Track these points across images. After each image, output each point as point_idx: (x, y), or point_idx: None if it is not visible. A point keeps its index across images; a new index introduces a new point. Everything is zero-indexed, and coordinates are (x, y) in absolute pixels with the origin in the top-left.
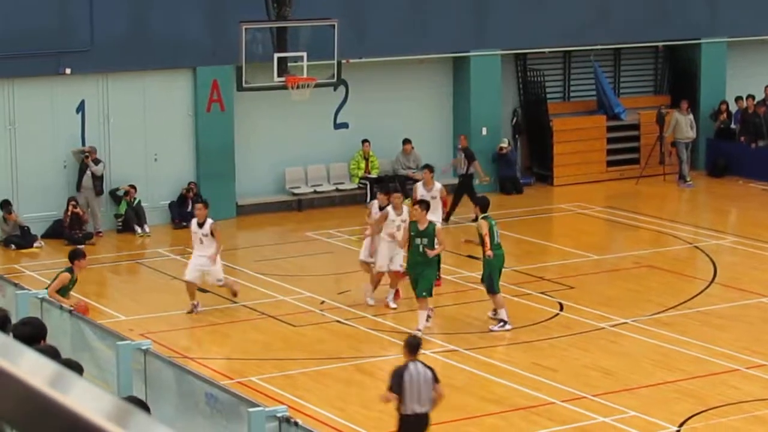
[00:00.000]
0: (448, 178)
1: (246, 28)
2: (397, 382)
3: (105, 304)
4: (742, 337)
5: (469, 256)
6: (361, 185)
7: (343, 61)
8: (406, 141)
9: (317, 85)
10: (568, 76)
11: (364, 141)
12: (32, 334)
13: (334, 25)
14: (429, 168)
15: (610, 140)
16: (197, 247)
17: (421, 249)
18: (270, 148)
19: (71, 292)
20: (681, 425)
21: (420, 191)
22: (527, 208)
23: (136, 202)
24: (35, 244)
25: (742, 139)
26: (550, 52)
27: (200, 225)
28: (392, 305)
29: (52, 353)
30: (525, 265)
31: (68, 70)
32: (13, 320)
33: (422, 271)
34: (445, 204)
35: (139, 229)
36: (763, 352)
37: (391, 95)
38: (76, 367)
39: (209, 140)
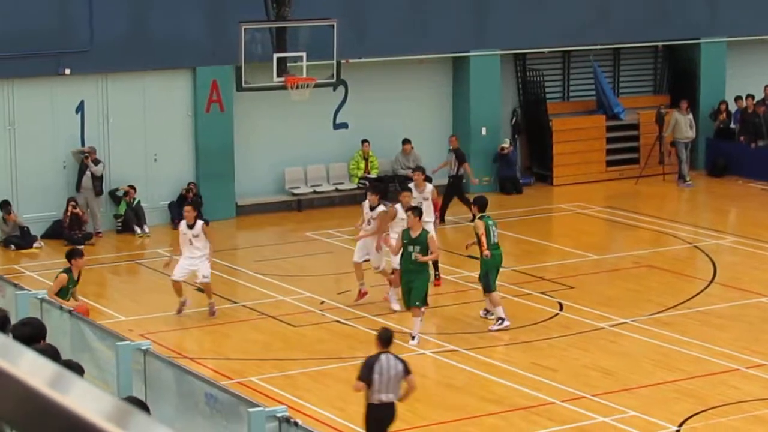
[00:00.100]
0: (440, 178)
1: (245, 28)
2: (368, 371)
3: (105, 304)
4: (741, 336)
5: (469, 257)
6: (360, 185)
7: (343, 61)
8: (406, 141)
9: (317, 85)
10: (567, 76)
11: (364, 141)
12: (32, 334)
13: (333, 25)
14: (420, 170)
15: (609, 140)
16: (187, 249)
17: (413, 257)
18: (270, 149)
19: (76, 293)
20: (681, 425)
21: (412, 193)
22: (527, 208)
23: (135, 202)
24: (35, 245)
25: (742, 138)
26: (549, 52)
27: (190, 226)
28: (395, 307)
29: (52, 353)
30: (525, 265)
31: (68, 71)
32: (13, 321)
33: (414, 280)
34: (437, 206)
35: (138, 230)
36: (763, 351)
37: (390, 95)
38: (76, 369)
39: (209, 140)
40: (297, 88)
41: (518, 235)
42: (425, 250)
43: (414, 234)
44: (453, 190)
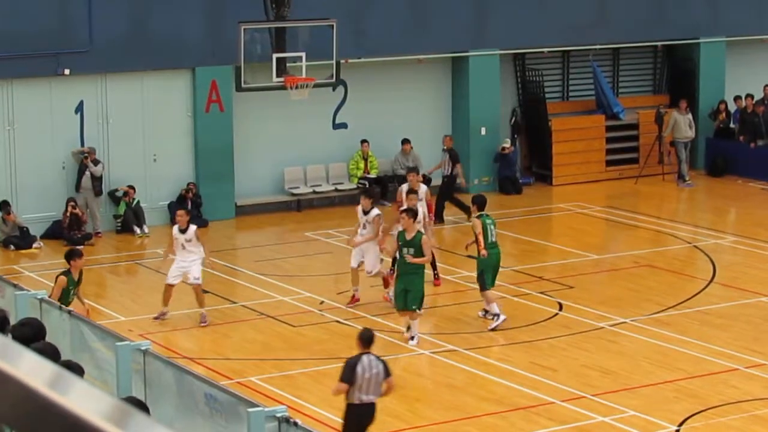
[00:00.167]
0: (438, 178)
1: (245, 29)
2: (350, 372)
3: (104, 304)
4: (741, 336)
5: (469, 256)
6: (360, 185)
7: (342, 61)
8: (405, 141)
9: (316, 85)
10: (566, 75)
11: (363, 141)
12: (31, 334)
13: (332, 25)
14: (414, 171)
15: (609, 140)
16: (179, 253)
17: (409, 260)
18: (269, 149)
19: (80, 294)
20: (680, 425)
21: (405, 193)
22: (526, 207)
23: (135, 202)
24: (34, 245)
25: (741, 138)
26: (549, 51)
27: (182, 231)
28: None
29: (52, 351)
30: (524, 265)
31: (67, 71)
32: (12, 321)
33: (410, 282)
34: (430, 207)
35: (138, 230)
36: (763, 351)
37: (390, 95)
38: (76, 369)
39: (208, 141)
40: (296, 88)
41: (518, 235)
42: (419, 252)
43: (409, 236)
44: (447, 190)
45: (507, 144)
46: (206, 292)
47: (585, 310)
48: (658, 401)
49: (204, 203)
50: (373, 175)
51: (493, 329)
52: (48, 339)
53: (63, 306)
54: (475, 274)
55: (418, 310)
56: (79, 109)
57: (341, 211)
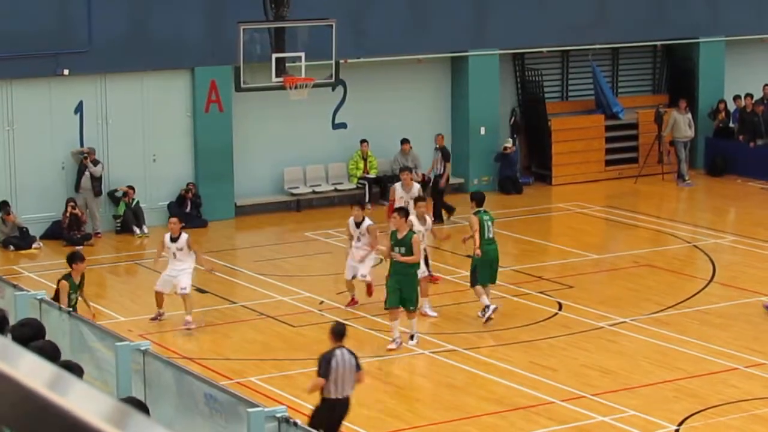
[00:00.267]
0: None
1: (244, 29)
2: (326, 367)
3: (104, 304)
4: (741, 335)
5: (468, 256)
6: (359, 185)
7: (341, 61)
8: (405, 141)
9: (315, 85)
10: (566, 75)
11: (363, 141)
12: (31, 335)
13: (332, 25)
14: (408, 170)
15: (608, 139)
16: (170, 262)
17: (396, 259)
18: (268, 149)
19: (84, 296)
20: (680, 424)
21: (398, 193)
22: (526, 207)
23: (134, 203)
24: (34, 245)
25: (741, 138)
26: (548, 51)
27: (173, 239)
28: (431, 313)
29: (52, 350)
30: (524, 265)
31: (66, 71)
32: (12, 321)
33: (402, 281)
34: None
35: (137, 230)
36: (762, 350)
37: (389, 95)
38: (76, 370)
39: (208, 141)
40: (296, 88)
41: (517, 234)
42: (410, 252)
43: (400, 235)
44: (440, 188)
45: (509, 144)
46: (206, 292)
47: (585, 310)
48: (657, 401)
49: (203, 203)
50: (372, 175)
51: (487, 320)
52: (46, 339)
53: (64, 307)
54: None
55: (414, 310)
56: (79, 109)
57: (341, 211)
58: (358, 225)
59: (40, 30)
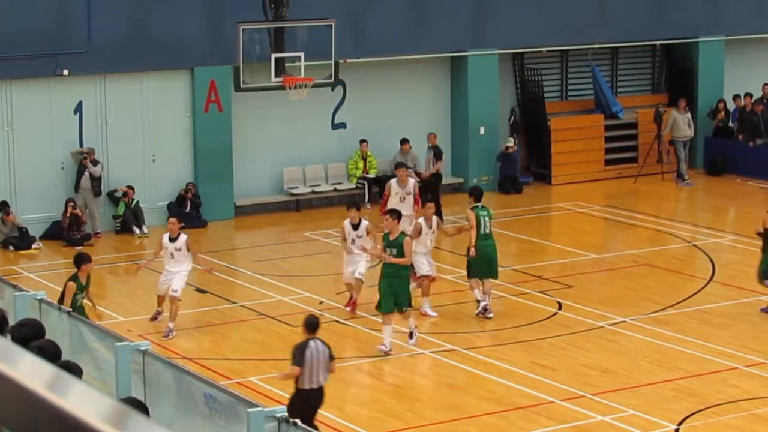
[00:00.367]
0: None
1: (243, 29)
2: (300, 357)
3: (104, 305)
4: (740, 335)
5: (465, 255)
6: (359, 185)
7: (341, 61)
8: (404, 141)
9: (315, 85)
10: (565, 75)
11: (362, 141)
12: (30, 335)
13: (331, 25)
14: (403, 166)
15: (608, 139)
16: (167, 263)
17: (387, 260)
18: (268, 149)
19: (90, 296)
20: (680, 424)
21: (394, 189)
22: (526, 207)
23: (134, 203)
24: (33, 246)
25: (740, 137)
26: (547, 51)
27: (172, 239)
28: (431, 313)
29: (53, 349)
30: (523, 264)
31: (66, 71)
32: (12, 322)
33: (394, 284)
34: (417, 201)
35: (137, 230)
36: (762, 350)
37: (388, 95)
38: (74, 370)
39: (207, 141)
40: (295, 88)
41: (517, 234)
42: (401, 253)
43: (392, 237)
44: (431, 188)
45: (510, 143)
46: (205, 292)
47: (584, 310)
48: (657, 400)
49: (203, 203)
50: (372, 174)
51: (478, 313)
52: (46, 338)
53: (63, 307)
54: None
55: (407, 310)
56: (78, 109)
57: (340, 211)
58: (355, 227)
59: (39, 30)
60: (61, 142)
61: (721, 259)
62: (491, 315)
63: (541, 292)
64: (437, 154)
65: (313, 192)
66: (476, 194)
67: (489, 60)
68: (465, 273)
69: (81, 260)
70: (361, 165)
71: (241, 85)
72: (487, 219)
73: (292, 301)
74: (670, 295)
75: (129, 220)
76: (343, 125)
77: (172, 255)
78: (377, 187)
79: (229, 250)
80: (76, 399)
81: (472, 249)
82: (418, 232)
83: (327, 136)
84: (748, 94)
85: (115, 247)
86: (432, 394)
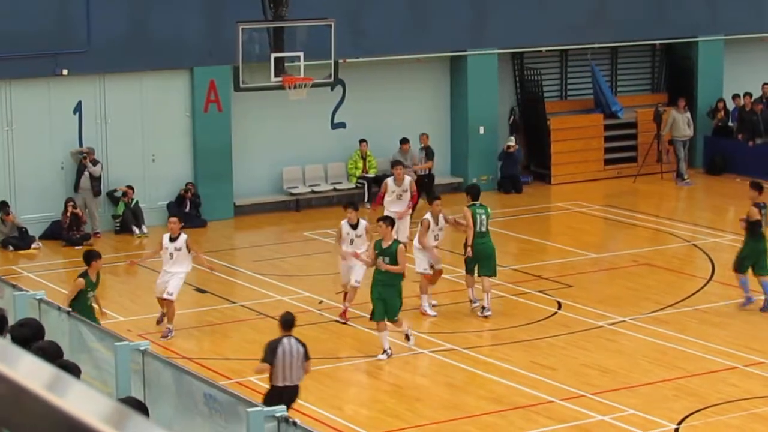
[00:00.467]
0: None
1: (243, 28)
2: (271, 354)
3: (103, 304)
4: (740, 334)
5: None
6: (358, 185)
7: (340, 61)
8: (404, 140)
9: (314, 85)
10: (565, 74)
11: (362, 140)
12: (30, 335)
13: (330, 25)
14: (400, 164)
15: (607, 138)
16: (166, 263)
17: (381, 268)
18: (267, 148)
19: (97, 298)
20: (680, 423)
21: (390, 187)
22: (525, 206)
23: (133, 202)
24: (33, 246)
25: (740, 136)
26: (547, 50)
27: (172, 239)
28: (430, 312)
29: (55, 350)
30: (523, 264)
31: (65, 71)
32: (11, 322)
33: (385, 292)
34: (414, 197)
35: (137, 230)
36: (762, 349)
37: (388, 95)
38: (73, 369)
39: (207, 140)
40: (295, 87)
41: (517, 233)
42: (394, 261)
43: (385, 244)
44: (424, 188)
45: (512, 142)
46: (205, 292)
47: (584, 309)
48: (657, 400)
49: (203, 203)
50: (371, 174)
51: (479, 312)
52: (47, 339)
53: (63, 307)
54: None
55: (396, 320)
56: (78, 109)
57: (340, 210)
58: (353, 227)
59: (39, 30)
60: (60, 141)
61: (720, 259)
62: (488, 313)
63: (540, 291)
64: (429, 155)
65: (313, 192)
66: (473, 193)
67: (488, 60)
68: (463, 272)
69: (91, 257)
70: (360, 165)
71: (241, 85)
72: (484, 217)
73: (291, 300)
74: (670, 295)
75: (128, 219)
76: (342, 125)
77: (171, 255)
78: (377, 186)
79: (229, 250)
80: (76, 399)
81: (469, 250)
82: (426, 228)
83: (326, 136)
84: (748, 94)
85: (115, 247)
86: (432, 393)
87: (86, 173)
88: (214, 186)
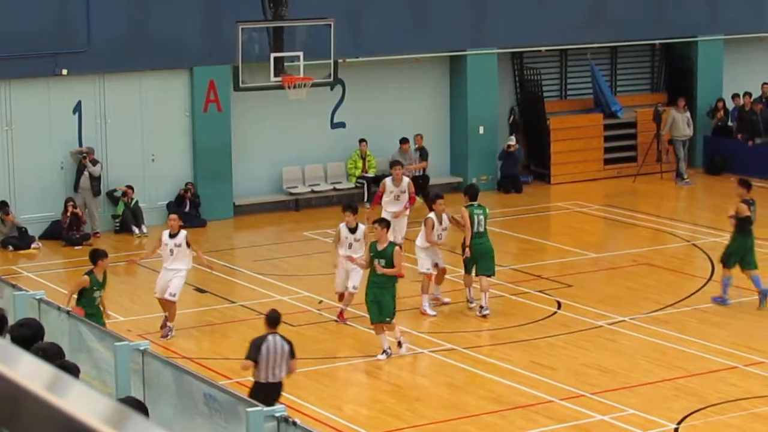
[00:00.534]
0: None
1: (243, 28)
2: (255, 351)
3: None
4: (740, 334)
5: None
6: (358, 185)
7: (340, 61)
8: (404, 140)
9: (314, 85)
10: (564, 74)
11: (361, 140)
12: (30, 335)
13: (330, 25)
14: (398, 164)
15: (607, 138)
16: (167, 260)
17: (378, 271)
18: (267, 148)
19: (104, 302)
20: (679, 423)
21: (389, 187)
22: (525, 206)
23: (133, 202)
24: (33, 246)
25: (739, 136)
26: (546, 50)
27: (172, 236)
28: (430, 312)
29: (56, 351)
30: (523, 264)
31: (65, 71)
32: (11, 322)
33: (380, 294)
34: (413, 199)
35: (136, 230)
36: (762, 349)
37: (388, 94)
38: (72, 369)
39: (206, 140)
40: (294, 87)
41: (516, 233)
42: (390, 264)
43: (380, 246)
44: (419, 189)
45: (512, 142)
46: (205, 291)
47: (584, 309)
48: (656, 399)
49: (202, 203)
50: (371, 174)
51: (476, 308)
52: (47, 339)
53: (63, 307)
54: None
55: (390, 322)
56: (77, 109)
57: (339, 210)
58: (352, 230)
59: (38, 30)
60: (60, 141)
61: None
62: (487, 312)
63: (540, 291)
64: (423, 156)
65: (313, 191)
66: (471, 193)
67: (488, 59)
68: (463, 272)
69: (97, 256)
70: (360, 164)
71: (240, 85)
72: (482, 218)
73: (291, 300)
74: (670, 295)
75: (128, 219)
76: (342, 125)
77: (171, 251)
78: (376, 186)
79: (229, 250)
80: (76, 399)
81: (467, 250)
82: (431, 227)
83: (326, 136)
84: (747, 93)
85: (115, 246)
86: (431, 393)
87: (86, 173)
88: (213, 186)
